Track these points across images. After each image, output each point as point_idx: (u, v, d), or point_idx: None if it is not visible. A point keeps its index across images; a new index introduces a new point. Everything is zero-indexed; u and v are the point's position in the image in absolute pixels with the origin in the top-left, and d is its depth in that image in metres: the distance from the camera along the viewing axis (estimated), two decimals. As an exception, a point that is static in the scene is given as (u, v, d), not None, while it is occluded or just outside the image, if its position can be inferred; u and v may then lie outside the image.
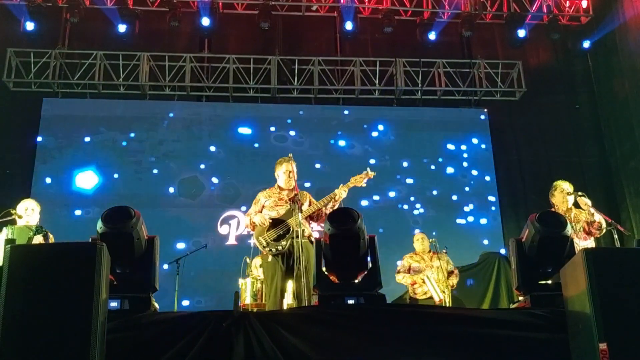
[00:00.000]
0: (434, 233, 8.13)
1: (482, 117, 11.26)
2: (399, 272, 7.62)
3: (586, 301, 3.29)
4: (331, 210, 5.51)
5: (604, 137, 11.32)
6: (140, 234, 3.94)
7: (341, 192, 5.64)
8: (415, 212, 10.54)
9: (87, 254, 3.21)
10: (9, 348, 3.00)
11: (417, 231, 8.27)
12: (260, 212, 5.83)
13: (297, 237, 5.27)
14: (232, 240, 9.89)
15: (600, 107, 11.44)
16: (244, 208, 9.63)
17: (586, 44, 11.53)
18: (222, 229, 9.97)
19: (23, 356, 3.00)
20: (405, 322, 3.85)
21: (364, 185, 5.86)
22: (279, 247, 5.54)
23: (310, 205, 5.76)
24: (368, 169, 5.85)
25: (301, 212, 5.41)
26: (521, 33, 11.21)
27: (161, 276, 4.50)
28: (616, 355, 3.12)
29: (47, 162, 10.15)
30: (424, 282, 7.34)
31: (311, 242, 5.38)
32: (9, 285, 3.11)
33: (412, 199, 10.60)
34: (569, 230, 4.21)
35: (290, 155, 5.86)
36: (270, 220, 5.65)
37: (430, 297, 7.29)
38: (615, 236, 5.65)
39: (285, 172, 5.86)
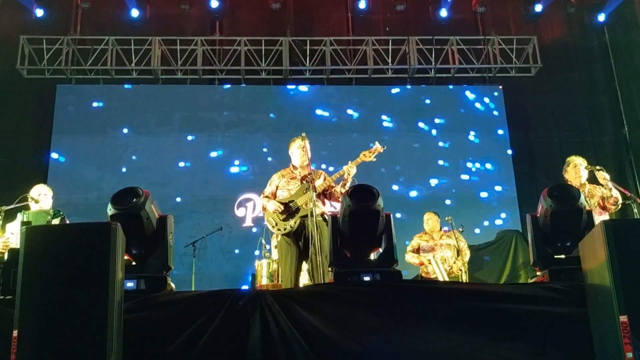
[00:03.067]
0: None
1: (497, 94, 11.13)
2: (408, 252, 7.61)
3: (606, 274, 3.24)
4: (345, 189, 5.45)
5: (623, 114, 11.11)
6: (150, 213, 3.93)
7: (349, 169, 5.54)
8: (430, 191, 10.49)
9: (102, 234, 3.22)
10: (27, 328, 3.02)
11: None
12: (275, 193, 5.79)
13: (310, 215, 5.24)
14: (248, 222, 9.93)
15: (619, 82, 11.21)
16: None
17: (601, 17, 11.27)
18: (239, 212, 10.02)
19: (41, 336, 3.02)
20: (422, 298, 3.82)
21: (374, 159, 5.76)
22: (288, 227, 5.51)
23: (324, 180, 5.71)
24: (377, 142, 5.75)
25: (314, 191, 5.37)
26: (538, 8, 11.03)
27: (177, 257, 4.51)
28: (637, 327, 3.07)
29: (63, 148, 10.21)
30: (430, 262, 7.33)
31: (324, 220, 5.37)
32: (25, 266, 3.13)
33: (426, 178, 10.56)
34: (582, 202, 4.14)
35: (303, 134, 5.81)
36: (283, 206, 5.61)
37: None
38: (635, 209, 5.57)
39: (299, 148, 5.81)
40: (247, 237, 9.66)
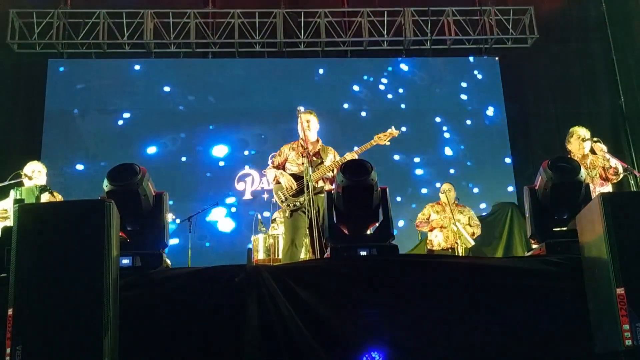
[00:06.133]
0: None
1: (494, 65, 11.06)
2: (419, 219, 7.71)
3: (603, 246, 3.23)
4: None
5: (619, 85, 11.04)
6: (147, 190, 3.90)
7: (353, 156, 5.55)
8: (422, 169, 10.49)
9: (96, 211, 3.18)
10: (22, 307, 3.00)
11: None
12: (283, 164, 5.77)
13: (307, 189, 5.26)
14: (247, 195, 9.96)
15: (616, 53, 11.11)
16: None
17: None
18: (239, 185, 10.08)
19: (36, 314, 2.99)
20: (419, 273, 3.81)
21: (388, 143, 5.80)
22: (297, 203, 5.52)
23: (333, 161, 5.69)
24: (392, 127, 5.78)
25: (313, 168, 5.38)
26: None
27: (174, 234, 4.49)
28: (634, 299, 3.07)
29: (55, 122, 10.12)
30: (440, 228, 7.40)
31: None
32: (19, 244, 3.09)
33: (420, 152, 10.55)
34: (582, 175, 4.13)
35: (301, 108, 5.76)
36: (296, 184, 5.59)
37: (445, 249, 7.36)
38: (632, 181, 5.57)
39: (301, 123, 5.79)
40: (247, 210, 9.69)
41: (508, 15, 10.93)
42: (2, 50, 10.33)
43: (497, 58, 11.11)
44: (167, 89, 10.54)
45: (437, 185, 9.49)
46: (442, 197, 7.74)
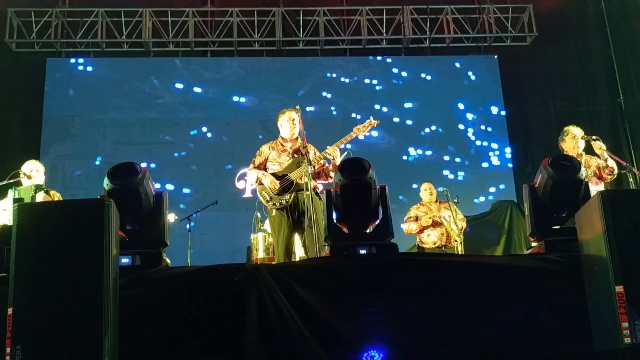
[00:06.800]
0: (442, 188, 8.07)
1: (493, 63, 11.05)
2: (405, 222, 7.66)
3: (602, 244, 3.24)
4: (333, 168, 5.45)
5: (618, 83, 11.03)
6: (148, 189, 3.90)
7: (333, 152, 5.48)
8: (424, 161, 10.48)
9: (95, 210, 3.18)
10: (22, 306, 3.00)
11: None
12: (264, 163, 5.75)
13: (305, 189, 5.24)
14: (247, 194, 9.96)
15: (615, 51, 11.10)
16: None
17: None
18: (239, 184, 10.08)
19: (37, 315, 2.99)
20: (419, 271, 3.81)
21: (368, 134, 5.80)
22: (282, 201, 5.49)
23: (315, 156, 5.68)
24: (371, 117, 5.77)
25: (310, 164, 5.35)
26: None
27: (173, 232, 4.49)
28: (633, 297, 3.08)
29: (54, 121, 10.10)
30: (433, 227, 7.39)
31: (317, 194, 5.38)
32: (18, 244, 3.09)
33: (418, 148, 10.55)
34: (582, 173, 4.14)
35: (297, 107, 5.75)
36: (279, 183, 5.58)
37: (439, 247, 7.36)
38: (631, 179, 5.57)
39: (288, 120, 5.76)
40: (246, 209, 9.67)
41: (507, 13, 10.91)
42: (1, 49, 10.30)
43: (496, 56, 11.09)
44: (164, 87, 10.52)
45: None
46: (424, 195, 7.75)
